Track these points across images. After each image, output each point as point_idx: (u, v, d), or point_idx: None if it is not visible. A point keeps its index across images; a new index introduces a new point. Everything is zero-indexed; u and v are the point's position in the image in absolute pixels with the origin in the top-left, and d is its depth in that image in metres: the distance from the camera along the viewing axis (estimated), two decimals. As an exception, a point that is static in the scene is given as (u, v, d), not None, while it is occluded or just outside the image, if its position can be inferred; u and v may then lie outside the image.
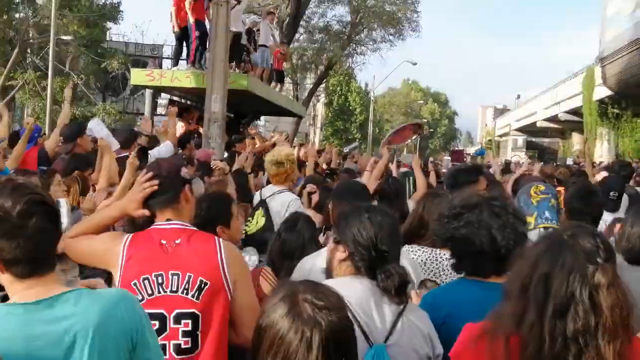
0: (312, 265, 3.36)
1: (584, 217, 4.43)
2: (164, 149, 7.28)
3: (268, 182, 6.19)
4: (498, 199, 2.96)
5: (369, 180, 5.86)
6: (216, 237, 3.02)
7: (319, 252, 3.46)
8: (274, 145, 11.95)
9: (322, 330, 1.75)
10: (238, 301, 2.93)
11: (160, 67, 20.91)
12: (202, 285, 2.84)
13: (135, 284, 2.84)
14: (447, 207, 3.09)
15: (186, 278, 2.84)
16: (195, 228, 3.05)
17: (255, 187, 7.22)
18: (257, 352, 1.83)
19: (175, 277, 2.84)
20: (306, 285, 1.90)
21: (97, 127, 7.11)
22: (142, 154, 6.12)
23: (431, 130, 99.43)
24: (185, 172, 3.10)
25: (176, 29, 13.69)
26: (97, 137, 6.85)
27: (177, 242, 2.91)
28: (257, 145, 11.23)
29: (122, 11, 30.79)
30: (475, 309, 2.33)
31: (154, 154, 6.76)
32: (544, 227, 3.55)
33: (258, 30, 16.88)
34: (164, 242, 2.91)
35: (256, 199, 5.71)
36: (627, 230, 3.45)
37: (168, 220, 3.00)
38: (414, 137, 8.83)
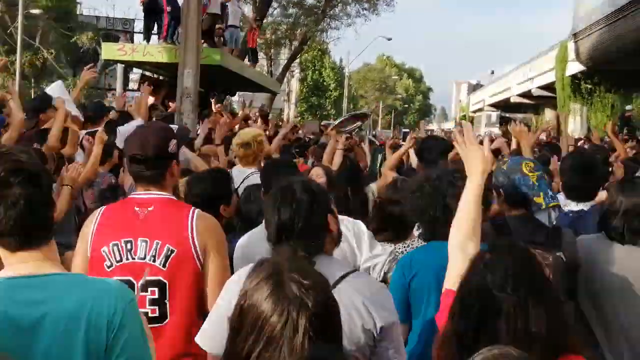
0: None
1: (582, 193, 4.36)
2: (135, 125, 7.13)
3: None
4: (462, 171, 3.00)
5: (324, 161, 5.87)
6: (192, 208, 2.98)
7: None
8: (246, 120, 11.79)
9: (308, 311, 1.66)
10: (205, 272, 2.89)
11: (132, 41, 20.59)
12: (169, 252, 2.81)
13: (104, 251, 2.83)
14: (414, 181, 3.37)
15: (154, 245, 2.81)
16: (173, 197, 3.03)
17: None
18: (237, 335, 1.73)
19: (144, 244, 2.82)
20: (291, 263, 1.80)
21: (60, 89, 6.95)
22: (110, 129, 6.01)
23: (406, 105, 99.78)
24: (173, 145, 3.01)
25: None
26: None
27: (149, 209, 2.88)
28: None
29: (92, -18, 30.31)
30: (437, 268, 2.82)
31: (122, 130, 6.64)
32: (552, 207, 3.45)
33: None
34: (137, 209, 2.89)
35: None
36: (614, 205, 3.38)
37: (147, 190, 2.97)
38: (360, 124, 8.68)
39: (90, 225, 2.92)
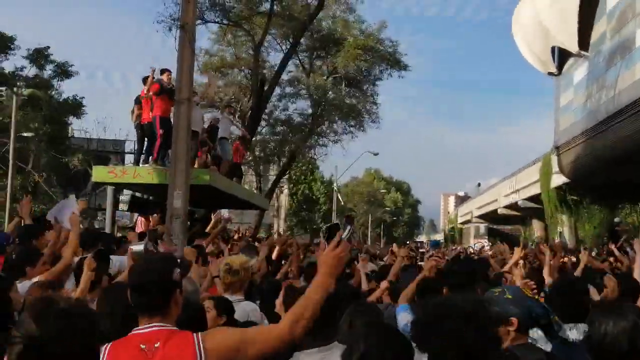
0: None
1: (572, 312, 4.29)
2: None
3: None
4: (469, 302, 2.95)
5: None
6: (194, 335, 2.86)
7: None
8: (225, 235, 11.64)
9: None
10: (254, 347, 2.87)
11: (123, 162, 20.88)
12: None
13: None
14: (419, 315, 3.10)
15: None
16: (175, 328, 2.92)
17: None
18: None
19: None
20: None
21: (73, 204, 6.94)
22: (101, 256, 5.97)
23: (395, 218, 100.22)
24: (177, 274, 2.97)
25: (139, 122, 13.86)
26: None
27: (156, 345, 2.79)
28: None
29: (85, 106, 30.76)
30: None
31: (115, 261, 6.57)
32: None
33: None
34: (143, 346, 2.80)
35: None
36: (599, 332, 3.34)
37: (151, 324, 2.88)
38: (348, 229, 8.72)
39: None
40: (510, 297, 3.51)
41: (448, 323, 2.76)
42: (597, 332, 3.37)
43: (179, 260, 3.35)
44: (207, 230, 10.39)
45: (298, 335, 2.96)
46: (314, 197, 66.00)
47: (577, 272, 7.37)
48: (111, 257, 6.33)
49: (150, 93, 13.53)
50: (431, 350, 2.98)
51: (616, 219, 24.43)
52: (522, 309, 3.47)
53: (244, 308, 5.30)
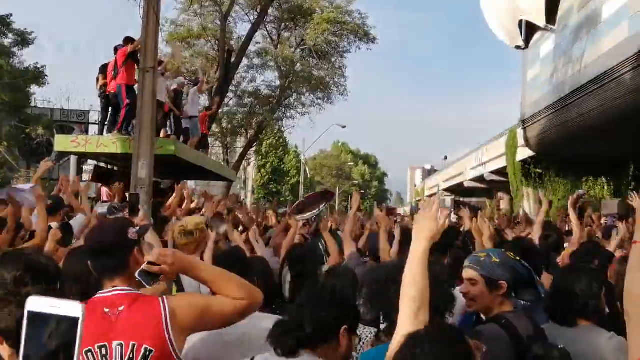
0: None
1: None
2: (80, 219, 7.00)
3: None
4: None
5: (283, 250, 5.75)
6: (161, 299, 2.82)
7: None
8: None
9: None
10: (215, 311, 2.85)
11: (87, 132, 20.53)
12: (147, 353, 2.70)
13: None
14: (376, 276, 3.19)
15: (130, 347, 2.69)
16: (139, 292, 2.89)
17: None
18: None
19: (119, 347, 2.69)
20: None
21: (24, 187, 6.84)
22: (66, 228, 5.91)
23: (362, 192, 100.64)
24: (132, 233, 2.93)
25: (104, 91, 13.64)
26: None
27: (120, 309, 2.75)
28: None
29: (46, 75, 30.16)
30: None
31: (74, 224, 6.54)
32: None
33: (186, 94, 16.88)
34: (106, 310, 2.74)
35: None
36: (554, 292, 3.57)
37: (114, 287, 2.84)
38: (323, 205, 8.59)
39: None
40: (497, 260, 3.44)
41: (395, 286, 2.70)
42: (552, 293, 3.58)
43: (136, 223, 3.28)
44: (169, 201, 10.19)
45: (256, 306, 2.98)
46: (284, 169, 65.92)
47: (537, 226, 7.47)
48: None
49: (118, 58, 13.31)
50: (383, 311, 3.06)
51: (580, 191, 24.68)
52: (510, 272, 3.41)
53: None
